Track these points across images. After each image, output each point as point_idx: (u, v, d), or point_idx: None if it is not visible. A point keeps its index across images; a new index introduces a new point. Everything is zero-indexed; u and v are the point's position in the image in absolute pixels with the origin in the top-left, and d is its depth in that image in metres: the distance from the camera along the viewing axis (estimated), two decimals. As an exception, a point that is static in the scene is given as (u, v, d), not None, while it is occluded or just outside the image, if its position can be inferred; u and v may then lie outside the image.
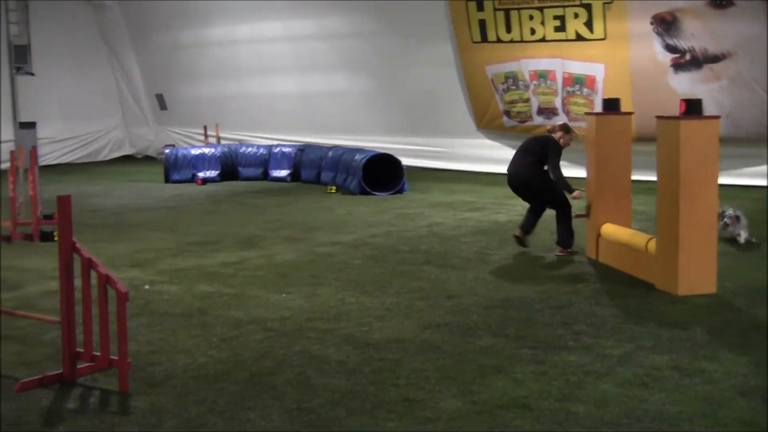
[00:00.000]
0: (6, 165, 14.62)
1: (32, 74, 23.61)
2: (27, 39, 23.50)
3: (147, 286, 8.95)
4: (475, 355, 6.52)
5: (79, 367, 5.98)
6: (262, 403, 5.53)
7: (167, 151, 20.75)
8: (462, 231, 12.32)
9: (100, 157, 26.16)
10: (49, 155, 23.82)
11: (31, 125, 23.11)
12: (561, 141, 10.78)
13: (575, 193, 10.63)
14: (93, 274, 5.90)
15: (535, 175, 10.80)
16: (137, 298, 8.21)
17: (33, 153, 12.66)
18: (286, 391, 5.76)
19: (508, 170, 11.07)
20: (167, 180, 19.85)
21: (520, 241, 10.93)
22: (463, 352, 6.63)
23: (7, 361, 6.45)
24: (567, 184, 10.58)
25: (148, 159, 26.44)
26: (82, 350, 5.97)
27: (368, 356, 6.50)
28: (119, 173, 22.50)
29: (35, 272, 9.77)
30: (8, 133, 23.17)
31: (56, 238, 11.09)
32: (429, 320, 7.53)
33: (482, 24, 19.45)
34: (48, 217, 12.13)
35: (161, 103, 26.44)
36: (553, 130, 11.13)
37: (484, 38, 19.56)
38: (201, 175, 19.83)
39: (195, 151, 20.68)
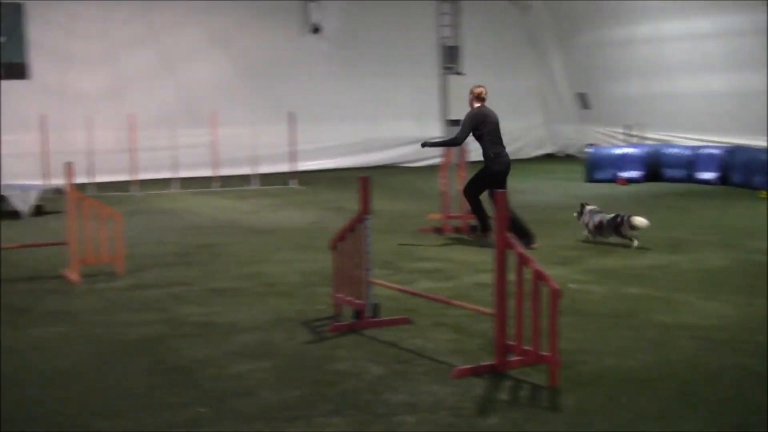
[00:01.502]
0: (437, 161, 15.37)
1: (462, 74, 24.65)
2: (458, 40, 24.60)
3: (573, 285, 8.96)
4: None
5: (509, 359, 6.10)
6: (696, 415, 5.29)
7: (590, 150, 20.76)
8: None
9: (523, 155, 26.74)
10: (475, 151, 24.72)
11: (457, 123, 24.16)
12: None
13: None
14: (524, 269, 5.98)
15: None
16: (564, 296, 8.22)
17: (463, 149, 13.25)
18: (721, 406, 5.45)
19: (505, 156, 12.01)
20: (588, 179, 19.86)
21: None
22: None
23: (443, 348, 6.76)
24: None
25: (568, 157, 26.63)
26: (512, 343, 6.08)
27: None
28: (542, 171, 22.87)
29: (466, 264, 10.14)
30: (439, 129, 24.43)
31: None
32: None
33: None
34: (475, 212, 12.56)
35: (583, 101, 26.49)
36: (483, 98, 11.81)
37: None
38: (623, 175, 19.61)
39: (617, 151, 20.52)
